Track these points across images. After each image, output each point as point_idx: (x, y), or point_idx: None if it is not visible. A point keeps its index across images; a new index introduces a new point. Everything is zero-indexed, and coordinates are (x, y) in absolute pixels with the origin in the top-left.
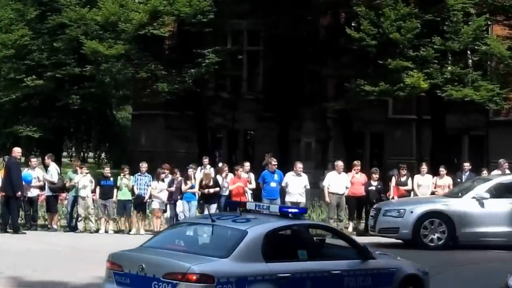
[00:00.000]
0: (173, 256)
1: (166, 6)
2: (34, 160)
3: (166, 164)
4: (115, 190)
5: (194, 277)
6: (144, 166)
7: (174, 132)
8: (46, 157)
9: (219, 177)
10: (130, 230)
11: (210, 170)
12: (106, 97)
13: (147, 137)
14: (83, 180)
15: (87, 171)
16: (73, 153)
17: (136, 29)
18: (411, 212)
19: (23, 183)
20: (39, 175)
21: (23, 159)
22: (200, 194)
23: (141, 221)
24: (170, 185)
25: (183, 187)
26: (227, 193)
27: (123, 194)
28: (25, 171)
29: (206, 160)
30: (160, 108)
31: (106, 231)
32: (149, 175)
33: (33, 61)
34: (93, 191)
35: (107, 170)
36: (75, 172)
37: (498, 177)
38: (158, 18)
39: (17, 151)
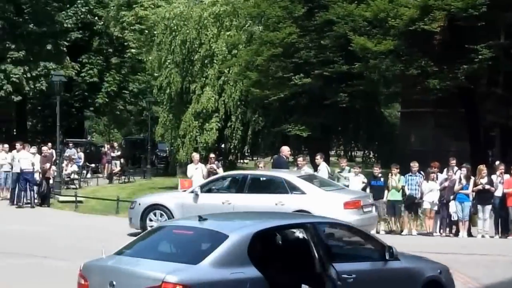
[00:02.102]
0: None
1: (437, 0)
2: (300, 160)
3: (436, 162)
4: (385, 190)
5: None
6: (415, 165)
7: (444, 130)
8: (318, 156)
9: (493, 176)
10: (401, 231)
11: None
12: (374, 95)
13: (416, 135)
14: (354, 180)
15: (359, 171)
16: (340, 152)
17: (406, 25)
18: (139, 204)
19: None
20: None
21: (290, 158)
22: (473, 194)
23: (413, 222)
24: (441, 184)
25: (456, 187)
26: (500, 193)
27: (393, 194)
28: (294, 171)
29: (434, 165)
30: (429, 105)
31: (377, 231)
32: (420, 175)
33: (300, 59)
34: (364, 190)
35: (377, 170)
36: (342, 170)
37: (220, 174)
38: (429, 13)
39: (286, 150)
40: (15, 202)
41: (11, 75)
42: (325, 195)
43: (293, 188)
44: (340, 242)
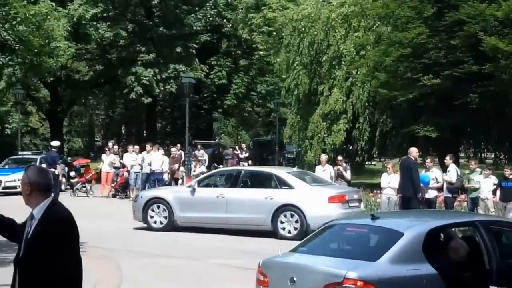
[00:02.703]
0: None
1: None
2: (428, 161)
3: None
4: None
5: None
6: None
7: None
8: (447, 157)
9: None
10: None
11: None
12: (505, 95)
13: None
14: (485, 182)
15: (490, 172)
16: (470, 153)
17: None
18: (141, 197)
19: (421, 184)
20: (437, 176)
21: (419, 160)
22: None
23: None
24: None
25: None
26: None
27: None
28: (422, 173)
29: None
30: None
31: None
32: None
33: (429, 60)
34: (494, 193)
35: (508, 171)
36: (472, 172)
37: (217, 170)
38: None
39: (414, 151)
40: None
41: (142, 78)
42: (311, 189)
43: (282, 183)
44: (508, 240)
